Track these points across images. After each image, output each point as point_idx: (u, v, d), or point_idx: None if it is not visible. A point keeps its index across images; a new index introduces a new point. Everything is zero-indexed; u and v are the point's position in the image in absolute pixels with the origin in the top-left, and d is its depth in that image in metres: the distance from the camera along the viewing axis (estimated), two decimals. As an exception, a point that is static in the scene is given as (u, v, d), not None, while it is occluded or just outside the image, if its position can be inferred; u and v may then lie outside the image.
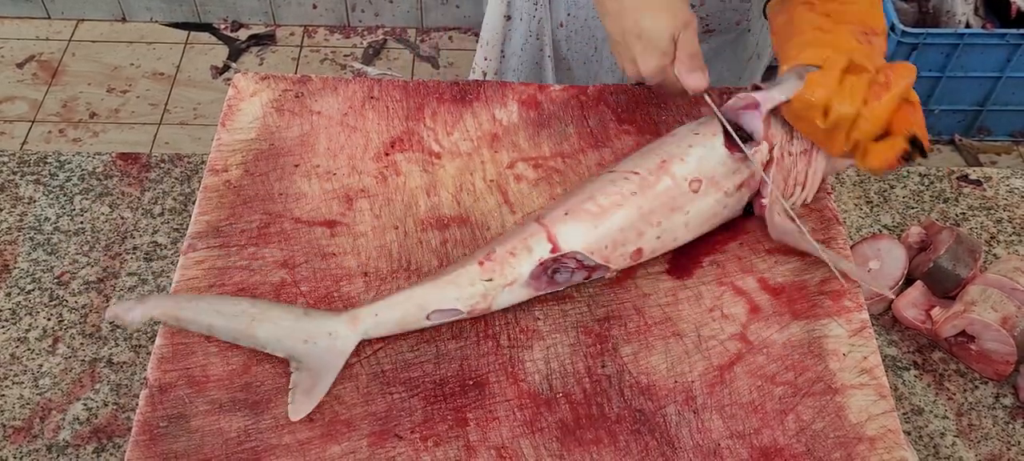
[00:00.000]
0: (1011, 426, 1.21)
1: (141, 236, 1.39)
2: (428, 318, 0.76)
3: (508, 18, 1.17)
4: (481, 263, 0.77)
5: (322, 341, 0.73)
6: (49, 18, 2.66)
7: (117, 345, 1.26)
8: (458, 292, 0.76)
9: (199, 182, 0.96)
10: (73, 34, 2.62)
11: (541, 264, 0.77)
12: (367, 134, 0.93)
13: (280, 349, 0.74)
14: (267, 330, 0.74)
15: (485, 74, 1.23)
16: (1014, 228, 1.42)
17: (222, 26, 2.66)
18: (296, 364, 0.73)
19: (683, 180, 0.80)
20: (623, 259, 0.79)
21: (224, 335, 0.75)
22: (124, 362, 1.24)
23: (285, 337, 0.74)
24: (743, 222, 0.86)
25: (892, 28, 2.16)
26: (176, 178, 1.47)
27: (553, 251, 0.77)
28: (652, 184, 0.80)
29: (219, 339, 0.75)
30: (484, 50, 1.22)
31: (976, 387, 1.25)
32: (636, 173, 0.81)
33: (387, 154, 0.91)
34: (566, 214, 0.79)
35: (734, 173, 0.82)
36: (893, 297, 1.33)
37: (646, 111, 0.96)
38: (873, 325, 0.84)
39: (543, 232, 0.78)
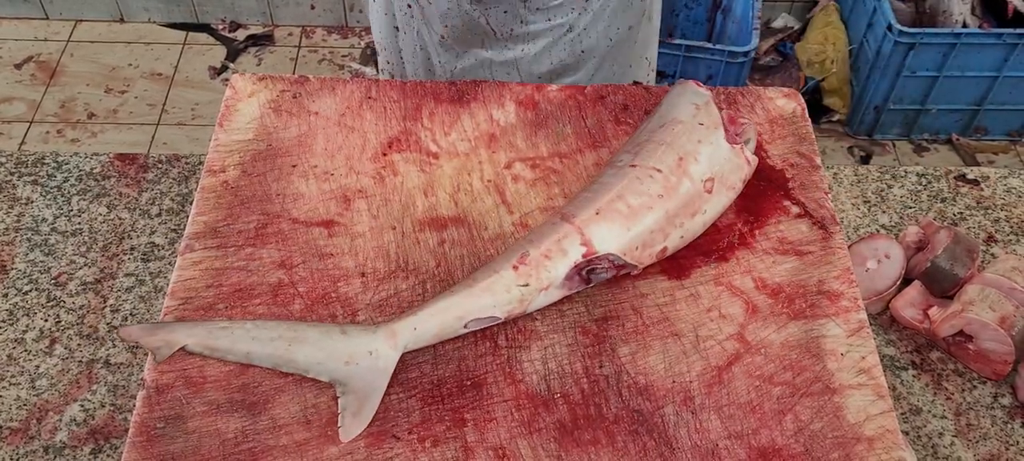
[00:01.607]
0: (1009, 426, 1.21)
1: (139, 237, 1.38)
2: (465, 327, 0.76)
3: (397, 30, 1.20)
4: (515, 267, 0.76)
5: (364, 361, 0.73)
6: (47, 19, 2.65)
7: (114, 346, 1.26)
8: (494, 299, 0.76)
9: (197, 183, 0.96)
10: (71, 34, 2.61)
11: (576, 266, 0.77)
12: (365, 134, 0.92)
13: (324, 373, 0.73)
14: (306, 354, 0.73)
15: (392, 75, 1.26)
16: (1012, 227, 1.42)
17: (220, 26, 2.66)
18: (342, 389, 0.73)
19: (699, 181, 0.83)
20: (650, 257, 0.81)
21: (263, 362, 0.74)
22: (121, 363, 1.24)
23: (326, 360, 0.73)
24: (740, 223, 0.86)
25: (889, 28, 2.17)
26: (174, 179, 1.46)
27: (587, 254, 0.77)
28: (675, 186, 0.81)
29: (259, 367, 0.75)
30: (384, 54, 1.24)
31: (974, 387, 1.25)
32: (659, 171, 0.82)
33: (384, 154, 0.91)
34: (598, 214, 0.79)
35: (738, 169, 0.85)
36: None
37: (643, 111, 0.96)
38: (871, 325, 0.84)
39: (576, 234, 0.78)
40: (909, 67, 2.21)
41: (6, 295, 1.31)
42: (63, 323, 1.27)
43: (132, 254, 1.36)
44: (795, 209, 0.88)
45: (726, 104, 0.96)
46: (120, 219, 1.40)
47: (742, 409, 0.74)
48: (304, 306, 0.79)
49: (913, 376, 1.26)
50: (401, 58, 1.23)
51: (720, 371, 0.76)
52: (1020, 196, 1.46)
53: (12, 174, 1.46)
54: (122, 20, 2.67)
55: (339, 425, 0.71)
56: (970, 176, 1.50)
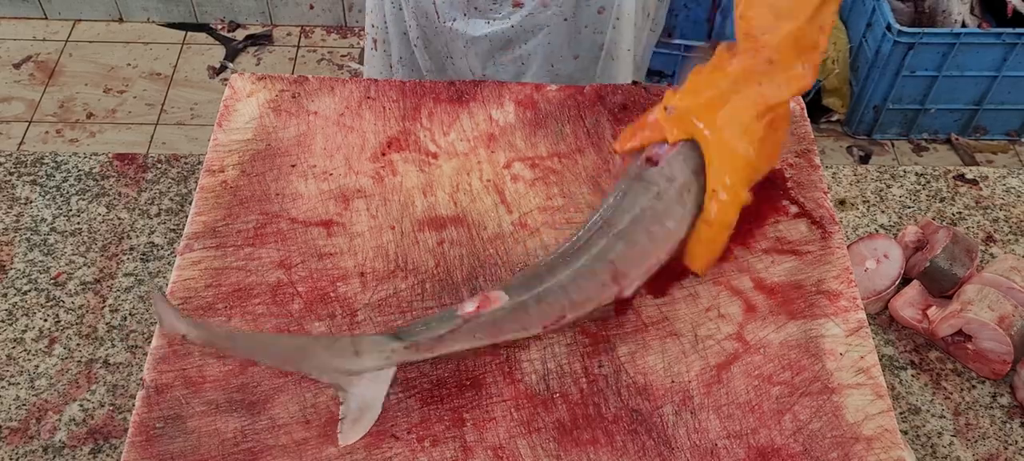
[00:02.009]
0: (1008, 425, 1.21)
1: (138, 237, 1.38)
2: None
3: None
4: (545, 327, 0.74)
5: (368, 373, 0.73)
6: (46, 18, 2.65)
7: (114, 346, 1.26)
8: (510, 338, 0.75)
9: (196, 182, 0.96)
10: (70, 34, 2.61)
11: None
12: (363, 134, 0.92)
13: (325, 376, 0.73)
14: (315, 363, 0.73)
15: (375, 39, 1.25)
16: (1010, 227, 1.43)
17: (219, 26, 2.66)
18: (343, 395, 0.73)
19: None
20: None
21: (267, 362, 0.74)
22: (120, 363, 1.24)
23: (332, 370, 0.73)
24: (739, 223, 0.86)
25: (888, 28, 2.17)
26: (173, 178, 1.46)
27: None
28: None
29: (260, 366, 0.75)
30: (370, 17, 1.24)
31: (973, 386, 1.25)
32: None
33: (383, 154, 0.91)
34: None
35: None
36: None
37: (642, 111, 0.96)
38: (870, 324, 0.84)
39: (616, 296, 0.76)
40: (908, 67, 2.21)
41: (5, 295, 1.30)
42: (62, 323, 1.27)
43: (131, 254, 1.36)
44: (794, 209, 0.88)
45: (725, 104, 0.96)
46: (119, 219, 1.40)
47: (741, 408, 0.74)
48: (303, 306, 0.79)
49: (912, 376, 1.26)
50: (386, 23, 1.22)
51: (719, 370, 0.76)
52: (1019, 196, 1.47)
53: (11, 174, 1.46)
54: (121, 20, 2.66)
55: (339, 431, 0.71)
56: (969, 176, 1.50)
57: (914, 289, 1.33)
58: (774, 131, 0.77)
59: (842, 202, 1.44)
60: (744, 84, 0.75)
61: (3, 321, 1.29)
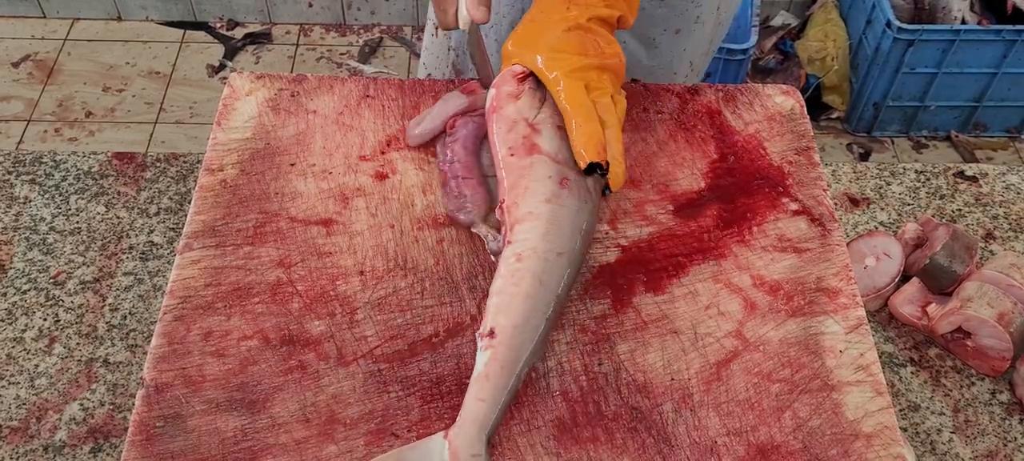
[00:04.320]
0: (1007, 422, 1.21)
1: (137, 236, 1.38)
2: None
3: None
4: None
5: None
6: (45, 17, 2.65)
7: (114, 345, 1.26)
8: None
9: (195, 181, 0.96)
10: (69, 33, 2.61)
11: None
12: (363, 133, 0.92)
13: None
14: None
15: (436, 27, 1.26)
16: (1010, 224, 1.43)
17: (218, 25, 2.65)
18: None
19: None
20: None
21: None
22: (120, 362, 1.24)
23: None
24: (739, 221, 0.86)
25: (888, 25, 2.17)
26: (172, 177, 1.46)
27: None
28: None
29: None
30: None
31: (973, 383, 1.25)
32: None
33: (383, 153, 0.91)
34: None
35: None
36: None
37: (639, 108, 0.96)
38: (869, 322, 0.84)
39: None
40: (908, 64, 2.21)
41: (5, 294, 1.30)
42: (62, 322, 1.27)
43: (131, 253, 1.36)
44: (793, 206, 0.88)
45: (724, 102, 0.96)
46: (118, 218, 1.40)
47: (741, 406, 0.74)
48: (302, 305, 0.79)
49: (911, 373, 1.26)
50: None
51: (719, 368, 0.76)
52: (1019, 193, 1.47)
53: (10, 173, 1.46)
54: (119, 18, 2.66)
55: None
56: (969, 173, 1.50)
57: (914, 286, 1.33)
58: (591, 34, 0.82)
59: (855, 202, 1.44)
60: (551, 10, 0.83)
61: (3, 321, 1.29)
